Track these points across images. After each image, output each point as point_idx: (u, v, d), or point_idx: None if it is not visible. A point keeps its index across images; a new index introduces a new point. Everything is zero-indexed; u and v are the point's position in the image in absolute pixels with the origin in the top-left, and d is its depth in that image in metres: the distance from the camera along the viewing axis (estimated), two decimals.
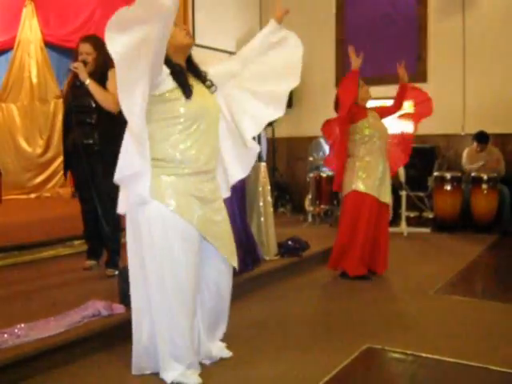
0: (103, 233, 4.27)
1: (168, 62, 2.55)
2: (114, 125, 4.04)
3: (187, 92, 2.55)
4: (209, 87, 2.78)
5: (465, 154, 7.30)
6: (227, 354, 2.96)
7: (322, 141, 7.63)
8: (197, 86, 2.67)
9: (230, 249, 2.77)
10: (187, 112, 2.56)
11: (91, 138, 4.12)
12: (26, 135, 9.01)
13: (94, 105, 4.07)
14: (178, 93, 2.55)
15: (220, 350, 2.95)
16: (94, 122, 4.12)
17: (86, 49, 4.13)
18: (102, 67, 4.12)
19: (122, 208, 2.71)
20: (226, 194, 2.92)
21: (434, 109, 5.18)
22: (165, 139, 2.55)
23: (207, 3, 7.34)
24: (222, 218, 2.73)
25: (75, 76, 4.10)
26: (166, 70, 2.53)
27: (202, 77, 2.77)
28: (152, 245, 2.55)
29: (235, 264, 2.79)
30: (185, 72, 2.64)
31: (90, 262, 4.49)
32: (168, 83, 2.54)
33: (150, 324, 2.67)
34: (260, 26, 8.75)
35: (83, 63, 4.06)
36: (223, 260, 2.76)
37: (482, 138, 7.05)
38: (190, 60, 2.76)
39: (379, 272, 4.74)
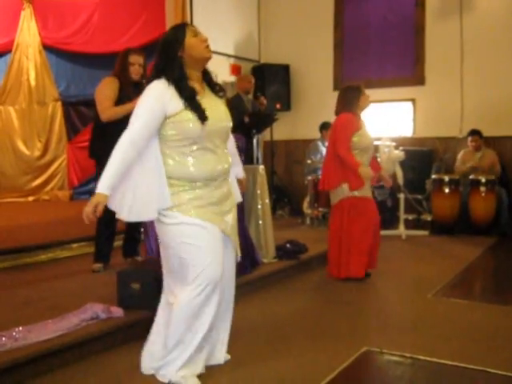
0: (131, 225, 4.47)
1: (181, 81, 2.59)
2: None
3: (202, 117, 2.56)
4: (219, 96, 2.79)
5: (459, 156, 7.33)
6: (225, 357, 2.96)
7: (320, 143, 7.64)
8: (209, 99, 2.69)
9: (237, 244, 2.88)
10: (200, 130, 2.57)
11: None
12: (24, 138, 9.02)
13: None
14: (188, 113, 2.56)
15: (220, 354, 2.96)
16: None
17: (141, 61, 4.37)
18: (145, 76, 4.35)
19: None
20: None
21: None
22: (180, 160, 2.61)
23: (205, 6, 7.35)
24: (232, 215, 2.82)
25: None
26: (173, 93, 2.57)
27: (215, 88, 2.78)
28: (180, 249, 2.60)
29: (239, 257, 2.91)
30: (196, 95, 2.62)
31: (98, 264, 4.50)
32: (177, 105, 2.57)
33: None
34: (258, 29, 8.77)
35: (143, 78, 4.29)
36: (231, 258, 2.85)
37: (474, 131, 7.13)
38: (205, 70, 2.76)
39: (374, 267, 4.81)
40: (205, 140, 2.61)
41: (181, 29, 2.65)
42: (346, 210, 4.68)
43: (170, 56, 2.61)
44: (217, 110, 2.70)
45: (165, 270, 2.78)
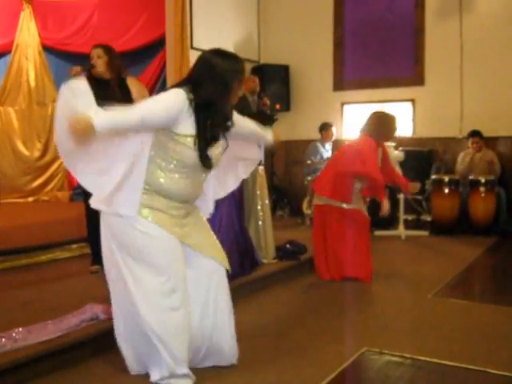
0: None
1: (219, 115, 2.62)
2: None
3: (206, 164, 2.60)
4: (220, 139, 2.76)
5: (459, 158, 7.33)
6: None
7: (319, 144, 7.64)
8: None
9: (217, 251, 2.84)
10: (191, 160, 2.60)
11: None
12: (23, 139, 9.02)
13: None
14: (192, 141, 2.57)
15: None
16: None
17: (97, 52, 4.31)
18: (120, 71, 4.33)
19: (96, 204, 2.75)
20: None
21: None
22: (159, 169, 2.61)
23: (205, 7, 7.34)
24: (198, 226, 2.82)
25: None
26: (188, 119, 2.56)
27: (225, 131, 2.74)
28: (129, 252, 2.70)
29: (227, 266, 2.85)
30: (211, 141, 2.63)
31: (96, 266, 4.48)
32: (189, 129, 2.57)
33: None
34: (258, 30, 8.76)
35: (91, 66, 4.26)
36: (215, 264, 2.81)
37: (474, 132, 7.14)
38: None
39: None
40: (194, 169, 2.63)
41: (241, 69, 2.70)
42: (328, 214, 4.73)
43: (221, 82, 2.59)
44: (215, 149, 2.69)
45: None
